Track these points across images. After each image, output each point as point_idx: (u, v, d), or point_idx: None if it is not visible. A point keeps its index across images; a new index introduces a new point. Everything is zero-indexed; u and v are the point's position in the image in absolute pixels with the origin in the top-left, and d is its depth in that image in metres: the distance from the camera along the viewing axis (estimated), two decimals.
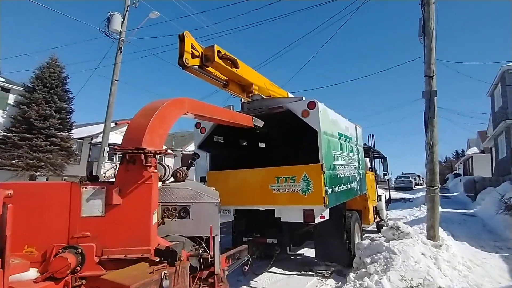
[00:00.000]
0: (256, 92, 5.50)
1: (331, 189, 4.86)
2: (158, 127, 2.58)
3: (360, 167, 7.26)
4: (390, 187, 13.30)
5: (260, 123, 4.88)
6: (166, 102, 2.74)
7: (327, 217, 4.72)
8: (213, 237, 3.19)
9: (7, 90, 17.64)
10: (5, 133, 15.88)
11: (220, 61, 4.66)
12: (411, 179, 35.64)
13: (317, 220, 4.63)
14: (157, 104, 2.70)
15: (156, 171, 2.47)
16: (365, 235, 9.06)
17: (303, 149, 5.79)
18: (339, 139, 5.72)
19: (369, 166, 9.33)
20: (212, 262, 3.12)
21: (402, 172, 40.72)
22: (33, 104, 16.26)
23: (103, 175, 16.15)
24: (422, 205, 16.13)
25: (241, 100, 5.50)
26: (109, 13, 15.96)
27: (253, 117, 4.65)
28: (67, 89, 18.24)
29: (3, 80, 17.80)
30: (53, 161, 16.53)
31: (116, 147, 2.45)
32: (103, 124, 15.74)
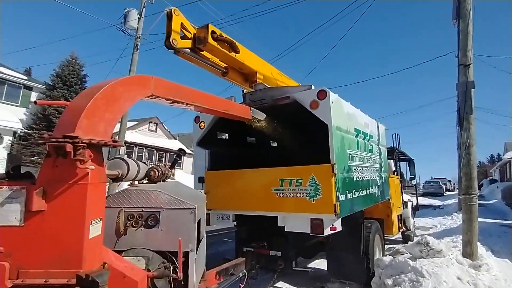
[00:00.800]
0: (260, 82, 4.82)
1: (344, 195, 4.08)
2: (102, 110, 1.96)
3: (383, 169, 6.37)
4: (418, 192, 12.10)
5: (261, 116, 4.19)
6: (119, 79, 2.13)
7: (339, 228, 3.95)
8: (188, 252, 2.55)
9: (30, 88, 18.07)
10: (27, 130, 16.19)
11: (214, 43, 4.03)
12: (441, 184, 33.44)
13: (327, 232, 3.88)
14: (107, 82, 2.09)
15: (93, 167, 1.85)
16: (389, 245, 8.10)
17: (312, 147, 5.04)
18: (357, 136, 4.91)
19: (393, 169, 8.36)
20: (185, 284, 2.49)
21: (432, 177, 38.42)
22: None
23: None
24: (455, 214, 14.71)
25: (242, 91, 4.84)
26: (126, 10, 15.92)
27: (252, 108, 3.96)
28: (86, 87, 18.42)
29: (25, 78, 18.26)
30: None
31: (40, 136, 1.86)
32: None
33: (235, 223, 4.82)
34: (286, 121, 4.81)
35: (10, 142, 16.14)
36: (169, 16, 3.78)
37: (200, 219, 3.30)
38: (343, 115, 4.41)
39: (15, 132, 16.36)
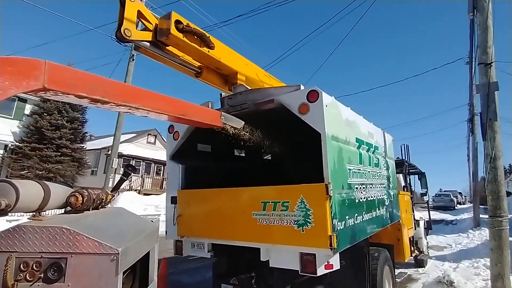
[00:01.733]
0: (242, 84, 4.06)
1: (343, 222, 3.23)
2: None
3: (391, 186, 5.49)
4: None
5: (238, 123, 3.40)
6: None
7: (336, 266, 3.09)
8: None
9: (24, 100, 17.64)
10: (17, 143, 15.64)
11: (180, 36, 3.28)
12: (452, 197, 32.02)
13: (321, 270, 3.02)
14: None
15: None
16: (399, 270, 7.10)
17: (305, 161, 4.22)
18: (359, 148, 4.08)
19: (402, 184, 7.45)
20: None
21: (441, 189, 36.95)
22: (45, 114, 15.98)
23: (110, 188, 15.32)
24: (470, 231, 13.55)
25: (220, 94, 4.07)
26: None
27: (223, 114, 3.16)
28: None
29: None
30: (63, 172, 16.02)
31: None
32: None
33: (211, 253, 3.97)
34: (272, 129, 4.02)
35: (1, 155, 15.59)
36: (122, 2, 3.07)
37: (148, 260, 2.49)
38: (340, 122, 3.60)
39: (6, 145, 15.83)
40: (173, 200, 4.32)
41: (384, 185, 5.03)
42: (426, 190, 8.72)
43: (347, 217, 3.35)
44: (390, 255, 5.08)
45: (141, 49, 3.52)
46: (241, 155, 5.87)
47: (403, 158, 7.58)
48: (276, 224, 3.24)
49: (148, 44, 3.32)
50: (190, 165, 4.47)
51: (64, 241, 1.78)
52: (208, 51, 3.62)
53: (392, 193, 5.47)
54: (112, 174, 14.64)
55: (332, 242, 2.90)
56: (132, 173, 2.92)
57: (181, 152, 4.45)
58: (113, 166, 14.66)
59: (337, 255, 3.09)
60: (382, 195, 4.84)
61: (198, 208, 4.04)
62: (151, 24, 3.33)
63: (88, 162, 18.07)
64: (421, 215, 8.58)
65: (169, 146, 4.51)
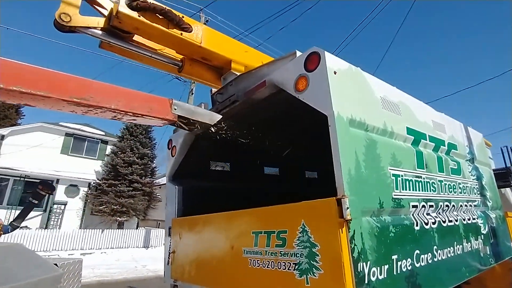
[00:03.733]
0: (233, 72, 3.10)
1: (388, 266, 1.85)
2: None
3: (491, 204, 3.65)
4: None
5: (211, 119, 2.40)
6: None
7: None
8: None
9: (105, 142, 19.74)
10: (98, 181, 17.23)
11: (134, 15, 2.55)
12: None
13: None
14: None
15: None
16: None
17: (316, 167, 2.92)
18: (416, 144, 2.62)
19: None
20: None
21: None
22: (119, 152, 17.42)
23: None
24: None
25: (210, 91, 3.18)
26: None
27: (175, 102, 2.19)
28: (151, 136, 19.25)
29: (102, 134, 20.11)
30: (135, 206, 16.91)
31: None
32: None
33: None
34: (271, 126, 2.90)
35: (85, 192, 17.32)
36: None
37: None
38: (369, 101, 2.29)
39: (89, 183, 17.60)
40: (169, 231, 3.44)
41: (475, 203, 3.29)
42: None
43: (395, 257, 1.94)
44: None
45: (104, 44, 2.91)
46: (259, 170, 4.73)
47: (508, 165, 5.38)
48: (270, 269, 2.02)
49: (100, 32, 2.66)
50: (188, 186, 3.58)
51: None
52: (181, 34, 2.79)
53: (493, 215, 3.60)
54: None
55: None
56: (50, 194, 2.11)
57: (179, 171, 3.60)
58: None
59: None
60: (474, 218, 3.11)
61: (190, 241, 3.06)
62: (106, 9, 2.70)
63: (158, 195, 18.86)
64: None
65: (168, 165, 3.72)
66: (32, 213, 16.78)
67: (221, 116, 2.48)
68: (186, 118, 2.20)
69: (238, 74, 2.95)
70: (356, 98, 2.15)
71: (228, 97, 2.84)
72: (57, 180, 16.76)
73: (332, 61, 2.04)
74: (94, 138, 19.62)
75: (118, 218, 16.36)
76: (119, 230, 15.69)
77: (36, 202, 2.01)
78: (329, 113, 1.90)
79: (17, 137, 17.01)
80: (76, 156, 18.58)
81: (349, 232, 1.68)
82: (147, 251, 14.44)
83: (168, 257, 3.30)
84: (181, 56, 3.18)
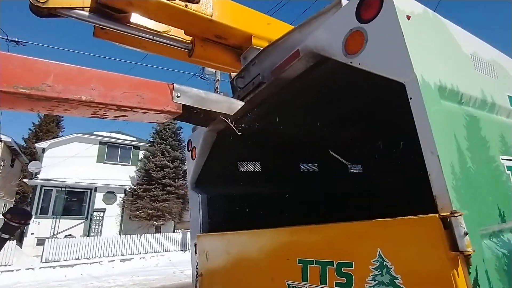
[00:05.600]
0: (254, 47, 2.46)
1: None
2: None
3: None
4: None
5: (230, 107, 1.78)
6: None
7: None
8: None
9: (138, 148, 20.00)
10: (133, 187, 17.46)
11: None
12: None
13: None
14: None
15: None
16: None
17: (396, 168, 2.19)
18: None
19: None
20: None
21: None
22: (151, 157, 17.52)
23: None
24: None
25: (229, 76, 2.58)
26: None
27: (176, 88, 1.58)
28: (180, 139, 19.21)
29: (134, 139, 20.41)
30: (170, 209, 16.93)
31: None
32: None
33: None
34: (308, 112, 2.23)
35: (122, 199, 17.64)
36: None
37: None
38: (456, 57, 1.55)
39: (125, 189, 17.90)
40: (195, 248, 2.90)
41: None
42: None
43: None
44: None
45: (98, 30, 2.40)
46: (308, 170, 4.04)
47: None
48: None
49: (87, 14, 2.14)
50: (213, 193, 3.01)
51: None
52: (186, 6, 2.20)
53: None
54: None
55: None
56: (24, 224, 1.61)
57: (202, 176, 3.05)
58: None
59: None
60: None
61: (218, 264, 2.49)
62: None
63: None
64: None
65: (188, 170, 3.19)
66: (74, 221, 17.40)
67: (242, 103, 1.87)
68: (196, 109, 1.60)
69: (262, 49, 2.30)
70: (441, 55, 1.43)
71: (251, 80, 2.21)
72: (95, 188, 17.21)
73: (401, 1, 1.33)
74: (126, 145, 19.95)
75: (155, 222, 16.47)
76: (156, 234, 15.77)
77: (7, 237, 1.55)
78: (408, 79, 1.20)
79: (56, 149, 17.68)
80: (111, 163, 18.99)
81: (469, 273, 0.99)
82: (184, 255, 14.32)
83: (196, 280, 2.76)
84: (191, 38, 2.60)
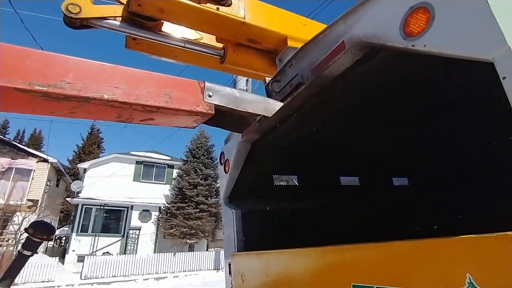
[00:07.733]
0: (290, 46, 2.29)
1: None
2: None
3: None
4: None
5: (267, 108, 1.60)
6: None
7: None
8: None
9: (171, 166, 20.47)
10: (167, 205, 17.75)
11: None
12: None
13: None
14: None
15: None
16: None
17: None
18: None
19: None
20: None
21: None
22: (184, 175, 17.80)
23: None
24: None
25: (264, 81, 2.41)
26: (234, 76, 16.25)
27: (207, 87, 1.42)
28: (212, 157, 19.40)
29: (168, 158, 20.94)
30: (203, 227, 16.90)
31: None
32: None
33: None
34: (354, 114, 1.98)
35: (156, 217, 17.95)
36: None
37: None
38: None
39: (160, 208, 18.23)
40: (229, 268, 2.67)
41: None
42: None
43: None
44: None
45: (129, 41, 2.37)
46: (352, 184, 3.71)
47: None
48: None
49: (118, 23, 2.11)
50: (248, 209, 2.80)
51: None
52: (218, 9, 2.11)
53: None
54: None
55: None
56: (47, 239, 1.49)
57: (236, 191, 2.86)
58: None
59: None
60: None
61: (255, 285, 2.23)
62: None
63: None
64: None
65: (221, 184, 3.02)
66: (112, 239, 17.89)
67: (281, 104, 1.69)
68: (230, 110, 1.44)
69: (298, 48, 2.12)
70: None
71: (288, 82, 2.03)
72: (132, 206, 17.70)
73: None
74: (161, 164, 20.51)
75: (188, 240, 16.47)
76: (190, 252, 15.71)
77: (29, 254, 1.44)
78: (498, 54, 0.95)
79: (96, 169, 18.57)
80: (147, 182, 19.55)
81: None
82: (217, 274, 14.07)
83: None
84: (220, 45, 2.50)
